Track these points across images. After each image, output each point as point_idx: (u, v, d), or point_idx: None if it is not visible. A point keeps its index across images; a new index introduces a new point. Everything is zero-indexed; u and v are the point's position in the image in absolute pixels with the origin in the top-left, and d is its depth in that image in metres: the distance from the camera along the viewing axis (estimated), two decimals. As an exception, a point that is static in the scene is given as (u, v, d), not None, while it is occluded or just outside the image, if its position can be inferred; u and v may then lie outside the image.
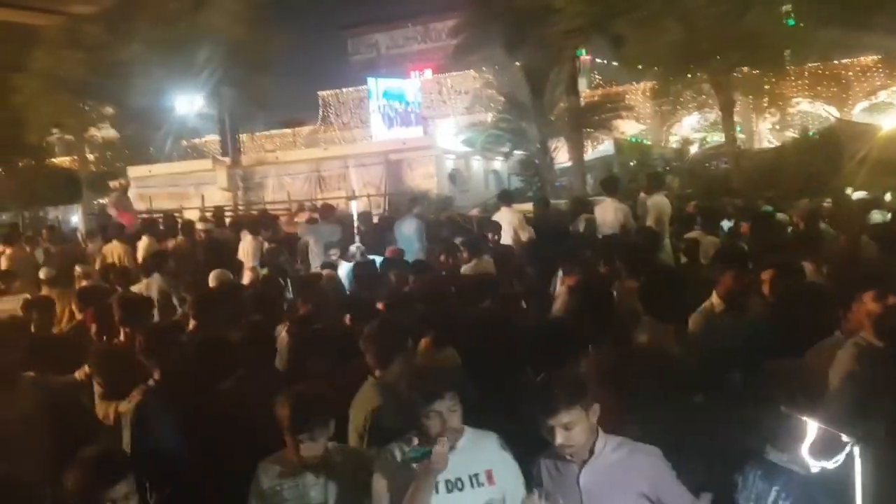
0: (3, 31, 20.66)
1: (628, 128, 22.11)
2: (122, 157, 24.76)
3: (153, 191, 19.39)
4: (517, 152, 19.93)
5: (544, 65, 18.59)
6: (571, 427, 2.69)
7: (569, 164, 19.68)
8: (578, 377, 2.87)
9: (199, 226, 10.21)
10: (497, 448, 2.93)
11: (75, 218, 23.01)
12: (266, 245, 9.16)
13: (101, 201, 23.74)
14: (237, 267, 8.31)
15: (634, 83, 24.06)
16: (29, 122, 23.27)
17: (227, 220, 12.16)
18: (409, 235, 9.37)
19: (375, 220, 11.84)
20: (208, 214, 12.97)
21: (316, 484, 3.00)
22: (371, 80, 23.30)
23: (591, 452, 2.78)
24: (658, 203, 9.10)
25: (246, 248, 9.24)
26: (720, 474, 2.98)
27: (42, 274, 8.43)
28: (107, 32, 21.82)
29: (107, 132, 26.56)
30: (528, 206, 11.47)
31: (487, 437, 2.95)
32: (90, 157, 26.24)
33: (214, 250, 9.02)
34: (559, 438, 2.69)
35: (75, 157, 26.48)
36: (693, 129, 25.69)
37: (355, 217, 10.52)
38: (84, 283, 8.07)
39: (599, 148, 22.83)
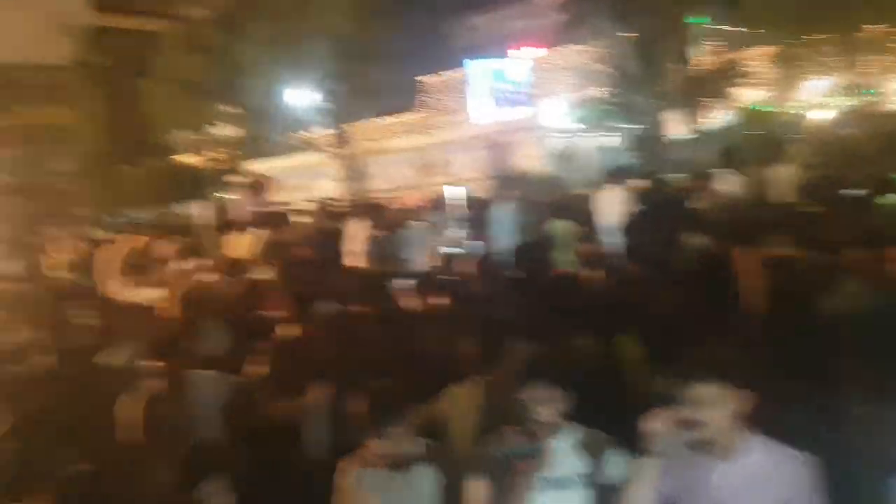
0: (127, 39, 21.92)
1: (749, 96, 20.81)
2: (240, 154, 25.80)
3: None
4: (630, 127, 19.23)
5: (655, 34, 17.81)
6: (706, 406, 2.39)
7: (686, 136, 18.82)
8: (728, 353, 2.54)
9: (306, 218, 10.35)
10: (608, 448, 2.72)
11: (197, 213, 24.11)
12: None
13: (221, 196, 24.92)
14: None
15: (754, 47, 22.67)
16: (155, 124, 24.72)
17: (335, 210, 12.34)
18: (499, 220, 8.99)
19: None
20: (316, 205, 13.20)
21: (398, 482, 2.89)
22: (470, 63, 22.99)
23: (733, 451, 2.47)
24: (783, 174, 8.55)
25: (354, 236, 9.35)
26: (863, 484, 2.64)
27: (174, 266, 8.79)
28: (221, 34, 22.76)
29: (226, 131, 27.76)
30: (641, 183, 10.97)
31: (597, 436, 2.75)
32: (212, 154, 27.53)
33: (322, 240, 9.15)
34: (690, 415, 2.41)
35: (197, 156, 27.84)
36: (820, 93, 23.98)
37: (455, 203, 10.39)
38: (202, 276, 8.38)
39: (718, 118, 21.70)
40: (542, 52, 27.48)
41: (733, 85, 19.69)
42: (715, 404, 2.39)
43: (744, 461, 2.46)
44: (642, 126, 18.76)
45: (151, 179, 26.92)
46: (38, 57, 13.30)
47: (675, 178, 12.09)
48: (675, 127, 18.70)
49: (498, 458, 2.68)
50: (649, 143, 18.50)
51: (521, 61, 25.21)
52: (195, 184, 26.73)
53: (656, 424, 2.42)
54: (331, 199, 15.26)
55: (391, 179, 18.18)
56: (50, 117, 13.64)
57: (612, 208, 9.31)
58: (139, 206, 27.57)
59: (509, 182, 10.53)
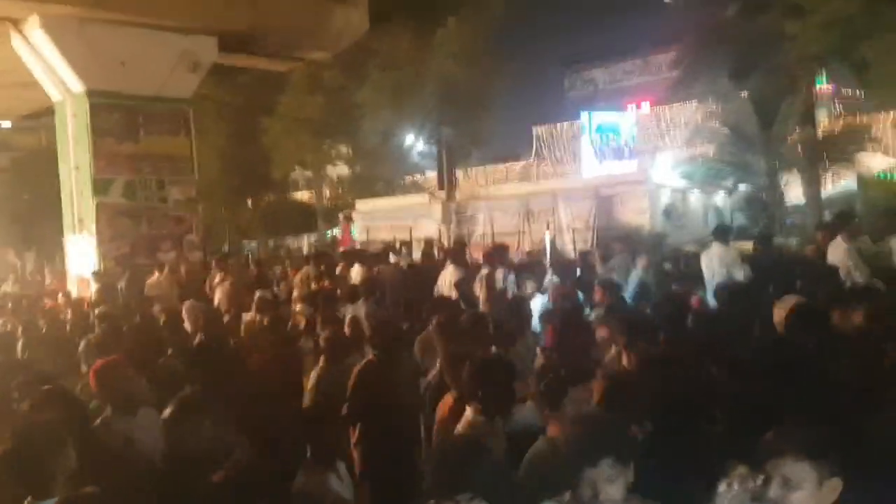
0: (254, 79, 23.21)
1: (875, 162, 19.70)
2: (352, 192, 26.67)
3: (375, 223, 20.66)
4: (741, 186, 18.62)
5: (775, 94, 17.23)
6: (793, 486, 2.14)
7: (801, 200, 18.00)
8: (829, 433, 2.37)
9: (391, 258, 10.52)
10: None
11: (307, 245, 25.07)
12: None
13: (332, 232, 25.81)
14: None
15: (883, 112, 21.56)
16: (275, 160, 25.98)
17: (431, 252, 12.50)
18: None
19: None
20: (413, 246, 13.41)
21: None
22: (584, 115, 23.05)
23: None
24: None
25: (446, 277, 9.42)
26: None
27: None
28: (342, 77, 23.79)
29: (341, 169, 28.84)
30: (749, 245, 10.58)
31: None
32: (325, 191, 28.62)
33: (413, 280, 9.27)
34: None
35: (312, 192, 28.99)
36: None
37: (549, 251, 10.32)
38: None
39: (839, 184, 20.64)
40: (657, 107, 27.22)
41: (859, 150, 18.73)
42: (803, 486, 2.14)
43: None
44: (755, 187, 18.11)
45: (267, 212, 28.17)
46: (167, 91, 14.24)
47: (786, 242, 11.60)
48: (792, 191, 17.94)
49: None
50: (761, 205, 17.81)
51: (634, 116, 25.03)
52: (308, 218, 27.82)
53: (731, 486, 2.15)
54: (431, 240, 15.46)
55: (495, 224, 18.23)
56: (172, 147, 14.56)
57: (718, 268, 9.04)
58: (253, 237, 28.92)
59: (611, 234, 10.32)
